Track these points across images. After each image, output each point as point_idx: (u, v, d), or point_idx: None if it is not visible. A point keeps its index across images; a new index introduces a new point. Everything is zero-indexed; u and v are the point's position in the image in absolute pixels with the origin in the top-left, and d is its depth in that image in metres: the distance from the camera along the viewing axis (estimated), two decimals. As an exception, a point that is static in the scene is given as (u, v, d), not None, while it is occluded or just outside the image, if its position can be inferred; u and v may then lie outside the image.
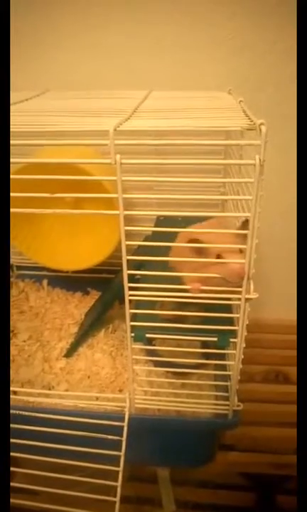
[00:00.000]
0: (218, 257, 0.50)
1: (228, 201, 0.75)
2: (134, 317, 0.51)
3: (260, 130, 0.39)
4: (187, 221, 0.60)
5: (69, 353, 0.75)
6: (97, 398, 0.64)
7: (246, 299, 0.47)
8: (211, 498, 0.73)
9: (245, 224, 0.48)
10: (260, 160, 0.39)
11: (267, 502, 0.72)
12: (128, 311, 0.50)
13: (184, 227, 0.57)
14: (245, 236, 0.45)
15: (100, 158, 0.71)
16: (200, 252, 0.50)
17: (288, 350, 0.88)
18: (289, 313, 0.91)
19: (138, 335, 0.51)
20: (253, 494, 0.72)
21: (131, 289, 0.48)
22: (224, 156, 0.77)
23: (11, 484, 0.43)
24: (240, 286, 0.47)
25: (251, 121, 0.43)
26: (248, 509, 0.71)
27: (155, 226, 0.74)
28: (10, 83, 0.57)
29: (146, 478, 0.73)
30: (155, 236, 0.69)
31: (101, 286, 0.82)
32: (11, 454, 0.47)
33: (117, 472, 0.52)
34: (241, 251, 0.48)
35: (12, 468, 0.48)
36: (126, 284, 0.48)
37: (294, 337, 0.84)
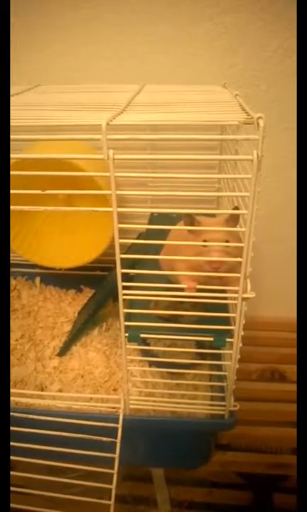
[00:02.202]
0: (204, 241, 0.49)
1: (223, 197, 0.74)
2: (128, 317, 0.50)
3: (258, 124, 0.38)
4: (182, 217, 0.59)
5: (63, 351, 0.74)
6: (91, 399, 0.63)
7: (243, 299, 0.46)
8: (206, 498, 0.72)
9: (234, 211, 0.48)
10: (258, 155, 0.38)
11: (263, 501, 0.72)
12: (122, 310, 0.49)
13: (177, 222, 0.56)
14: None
15: (93, 153, 0.70)
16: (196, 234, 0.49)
17: (284, 348, 0.87)
18: (285, 311, 0.90)
19: (133, 335, 0.50)
20: (248, 493, 0.72)
21: (125, 288, 0.47)
22: (220, 151, 0.75)
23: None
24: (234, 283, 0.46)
25: (249, 115, 0.42)
26: (243, 508, 0.71)
27: (149, 223, 0.72)
28: (10, 80, 0.55)
29: (141, 478, 0.72)
30: (149, 233, 0.68)
31: (95, 284, 0.81)
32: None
33: (111, 473, 0.51)
34: (227, 241, 0.48)
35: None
36: (120, 284, 0.46)
37: (290, 335, 0.83)
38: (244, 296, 0.45)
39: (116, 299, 0.49)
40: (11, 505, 0.48)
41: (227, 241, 0.47)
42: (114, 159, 0.40)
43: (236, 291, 0.46)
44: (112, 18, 0.77)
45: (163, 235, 0.57)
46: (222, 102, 0.52)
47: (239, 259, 0.44)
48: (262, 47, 0.77)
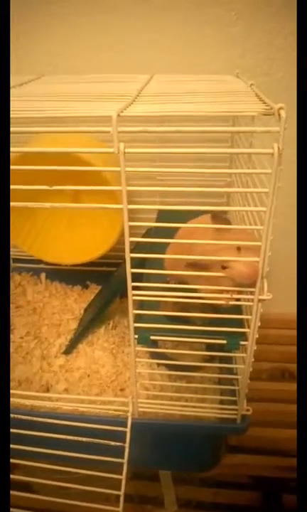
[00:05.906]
0: (224, 267, 0.46)
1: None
2: (138, 317, 0.48)
3: (279, 115, 0.36)
4: (192, 212, 0.56)
5: (69, 349, 0.72)
6: (98, 401, 0.61)
7: (259, 300, 0.43)
8: (214, 498, 0.71)
9: (215, 218, 0.46)
10: (279, 148, 0.36)
11: (272, 501, 0.70)
12: (132, 311, 0.46)
13: (189, 218, 0.53)
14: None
15: (99, 146, 0.67)
16: (201, 266, 0.46)
17: (294, 347, 0.85)
18: (294, 308, 0.88)
19: (142, 337, 0.48)
20: (257, 493, 0.70)
21: (134, 288, 0.45)
22: (231, 144, 0.73)
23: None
24: (253, 286, 0.43)
25: (268, 105, 0.40)
26: (251, 508, 0.69)
27: (158, 218, 0.70)
28: (10, 70, 0.53)
29: (148, 477, 0.71)
30: (157, 229, 0.65)
31: (101, 280, 0.79)
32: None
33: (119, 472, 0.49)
34: (238, 249, 0.45)
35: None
36: (130, 284, 0.44)
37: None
38: (261, 297, 0.43)
39: (123, 295, 0.47)
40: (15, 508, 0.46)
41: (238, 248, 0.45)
42: (125, 153, 0.38)
43: (252, 293, 0.43)
44: (119, 6, 0.74)
45: (172, 231, 0.54)
46: (237, 92, 0.50)
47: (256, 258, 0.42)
48: (274, 34, 0.74)
